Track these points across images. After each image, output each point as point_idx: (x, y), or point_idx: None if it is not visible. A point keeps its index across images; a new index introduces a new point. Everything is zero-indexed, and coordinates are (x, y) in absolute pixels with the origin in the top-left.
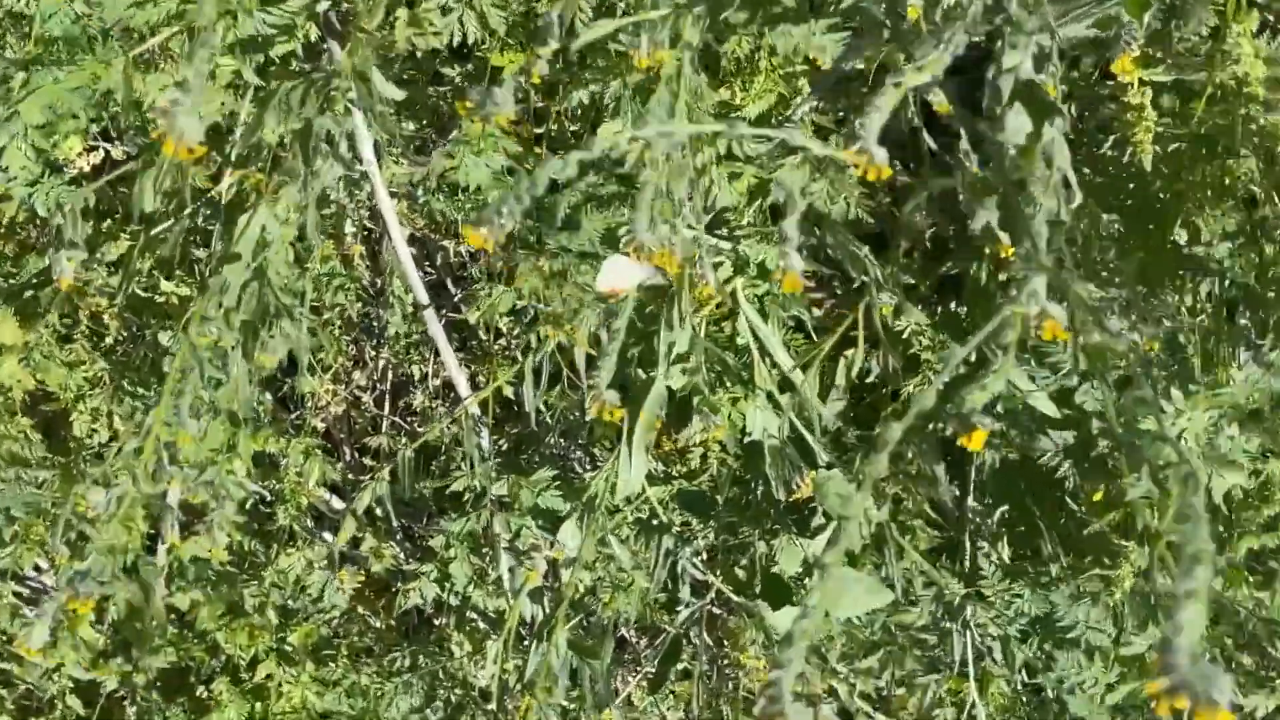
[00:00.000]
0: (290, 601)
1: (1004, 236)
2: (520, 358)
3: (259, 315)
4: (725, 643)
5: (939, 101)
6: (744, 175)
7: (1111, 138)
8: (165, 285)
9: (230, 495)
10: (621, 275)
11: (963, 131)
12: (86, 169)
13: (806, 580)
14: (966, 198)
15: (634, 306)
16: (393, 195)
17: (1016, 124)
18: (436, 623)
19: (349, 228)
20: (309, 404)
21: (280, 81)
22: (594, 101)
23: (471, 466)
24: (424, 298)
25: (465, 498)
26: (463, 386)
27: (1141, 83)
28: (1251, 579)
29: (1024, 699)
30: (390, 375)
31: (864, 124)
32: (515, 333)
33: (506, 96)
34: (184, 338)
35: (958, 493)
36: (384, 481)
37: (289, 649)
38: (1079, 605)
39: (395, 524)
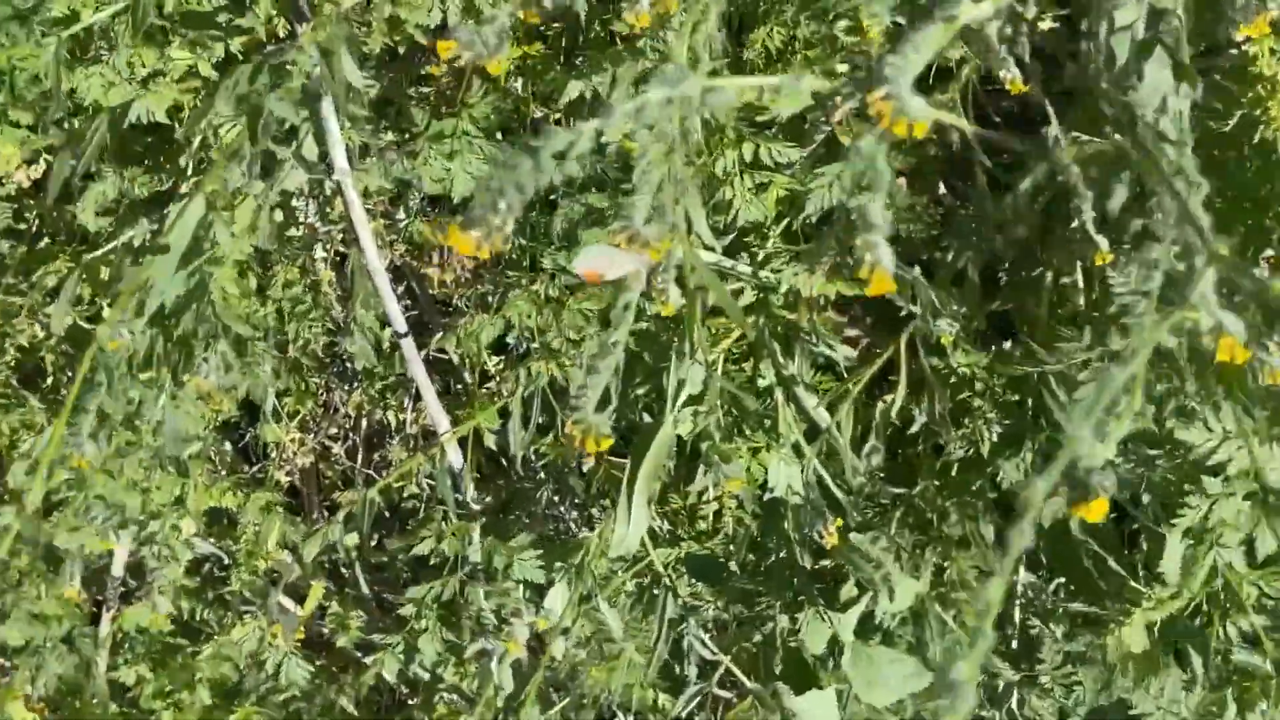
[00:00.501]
0: (244, 678)
1: (1103, 243)
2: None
3: (196, 332)
4: None
5: (1013, 78)
6: (773, 186)
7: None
8: (109, 314)
9: (176, 555)
10: (607, 262)
11: (1051, 112)
12: (26, 184)
13: (833, 661)
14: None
15: (642, 335)
16: (369, 214)
17: (1156, 80)
18: (411, 703)
19: (319, 252)
20: (273, 455)
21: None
22: (594, 98)
23: (446, 522)
24: (401, 325)
25: (435, 562)
26: (444, 427)
27: (1272, 52)
28: None
29: None
30: (364, 423)
31: (895, 63)
32: (505, 373)
33: (499, 38)
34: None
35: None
36: (338, 526)
37: None
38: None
39: (366, 592)
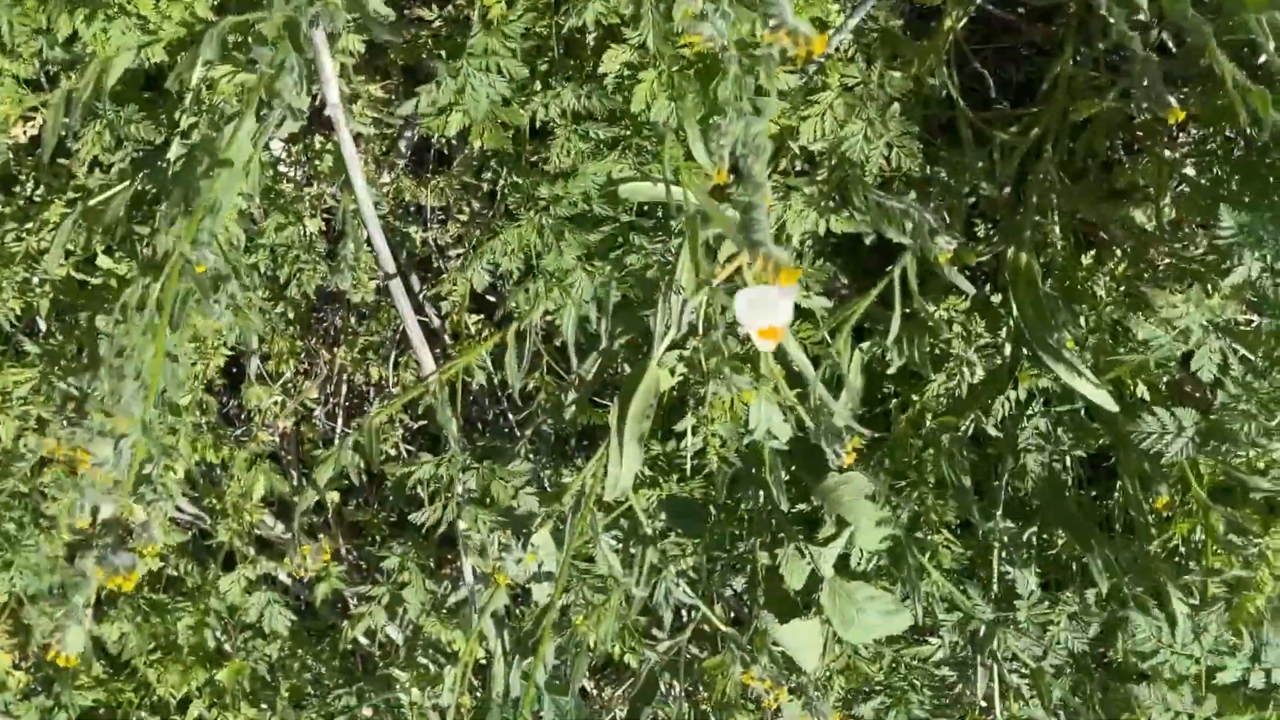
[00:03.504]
0: (225, 637)
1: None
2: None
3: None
4: (701, 688)
5: None
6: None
7: None
8: (103, 261)
9: (170, 494)
10: (770, 308)
11: None
12: (24, 139)
13: (814, 595)
14: None
15: (632, 273)
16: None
17: None
18: (382, 664)
19: (306, 209)
20: (256, 417)
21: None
22: (600, 25)
23: (444, 448)
24: (390, 263)
25: (430, 489)
26: (429, 367)
27: None
28: None
29: None
30: (345, 387)
31: None
32: (485, 332)
33: None
34: (177, 259)
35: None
36: (348, 450)
37: (222, 685)
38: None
39: (342, 549)
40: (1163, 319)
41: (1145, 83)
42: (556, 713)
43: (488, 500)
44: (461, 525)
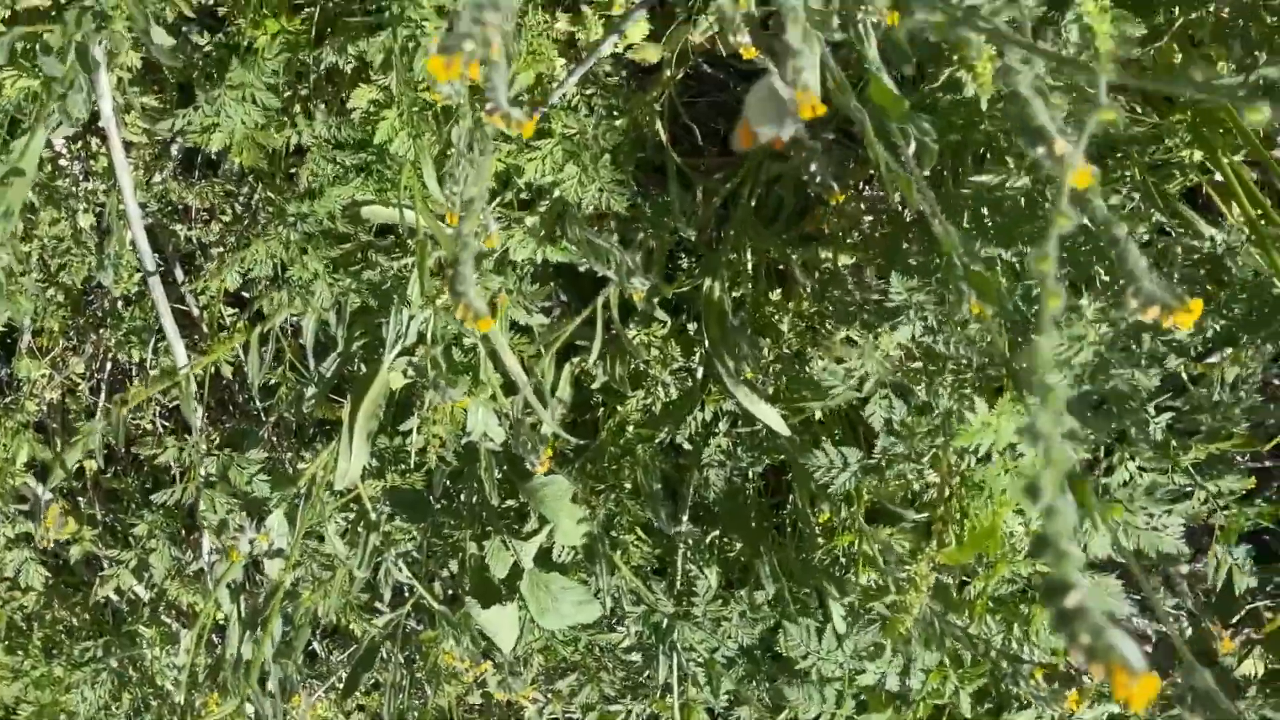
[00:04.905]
0: None
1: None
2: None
3: None
4: (418, 657)
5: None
6: (492, 158)
7: None
8: None
9: None
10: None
11: None
12: None
13: (516, 583)
14: None
15: (370, 284)
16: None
17: None
18: (130, 620)
19: (81, 205)
20: (25, 387)
21: None
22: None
23: (187, 435)
24: (150, 261)
25: (172, 473)
26: (182, 359)
27: None
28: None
29: None
30: (109, 366)
31: None
32: (238, 326)
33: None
34: None
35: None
36: (95, 435)
37: None
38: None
39: (98, 513)
40: (837, 359)
41: (812, 167)
42: (279, 675)
43: (228, 480)
44: (201, 506)
